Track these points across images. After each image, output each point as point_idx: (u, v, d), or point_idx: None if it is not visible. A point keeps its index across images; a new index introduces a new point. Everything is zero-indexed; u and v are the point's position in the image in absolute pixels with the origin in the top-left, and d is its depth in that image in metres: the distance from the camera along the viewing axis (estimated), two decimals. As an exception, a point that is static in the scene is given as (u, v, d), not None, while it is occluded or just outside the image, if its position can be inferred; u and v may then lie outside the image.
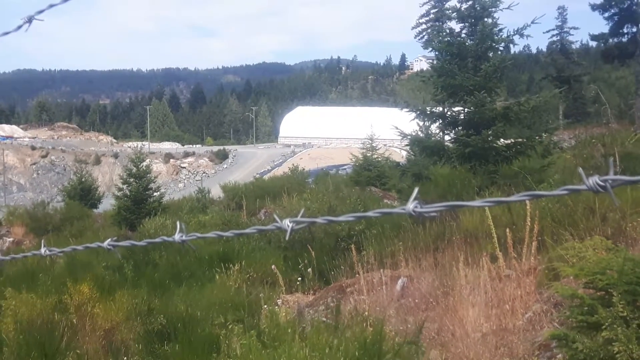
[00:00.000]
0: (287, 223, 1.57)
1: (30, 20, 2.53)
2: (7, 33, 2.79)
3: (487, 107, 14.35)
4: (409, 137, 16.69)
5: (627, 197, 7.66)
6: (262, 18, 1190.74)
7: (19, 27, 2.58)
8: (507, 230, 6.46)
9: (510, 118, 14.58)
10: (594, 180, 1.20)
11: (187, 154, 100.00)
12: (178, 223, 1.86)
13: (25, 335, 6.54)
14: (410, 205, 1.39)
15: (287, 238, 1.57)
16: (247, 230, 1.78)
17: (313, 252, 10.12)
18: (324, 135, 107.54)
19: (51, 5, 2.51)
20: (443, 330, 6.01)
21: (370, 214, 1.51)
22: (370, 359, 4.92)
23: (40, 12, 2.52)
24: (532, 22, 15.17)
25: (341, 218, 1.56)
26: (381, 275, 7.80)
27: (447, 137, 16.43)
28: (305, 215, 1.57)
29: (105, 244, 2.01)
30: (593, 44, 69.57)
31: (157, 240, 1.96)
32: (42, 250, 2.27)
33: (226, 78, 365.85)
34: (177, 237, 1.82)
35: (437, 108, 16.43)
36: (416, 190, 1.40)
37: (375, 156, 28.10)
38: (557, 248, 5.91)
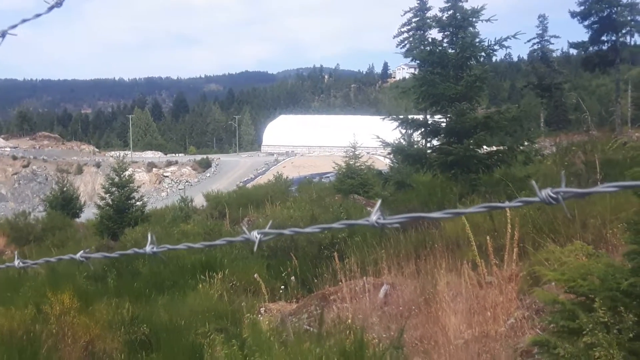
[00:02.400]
0: (255, 234, 1.59)
1: (3, 35, 2.52)
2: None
3: (467, 116, 14.44)
4: (391, 146, 16.73)
5: (606, 204, 7.73)
6: (245, 27, 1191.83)
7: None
8: (488, 237, 6.50)
9: (492, 126, 14.67)
10: (546, 192, 1.22)
11: (169, 163, 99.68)
12: (149, 234, 1.86)
13: (5, 346, 6.49)
14: (374, 217, 1.40)
15: (254, 249, 1.58)
16: (217, 242, 1.79)
17: (296, 261, 10.12)
18: (307, 143, 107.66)
19: (24, 20, 2.50)
20: (425, 337, 6.02)
21: (335, 225, 1.54)
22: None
23: (14, 27, 2.51)
24: (514, 36, 15.30)
25: (308, 229, 1.57)
26: (364, 283, 7.81)
27: (428, 146, 16.50)
28: (273, 227, 1.58)
29: (78, 255, 2.00)
30: (574, 52, 70.28)
31: (129, 252, 1.96)
32: (16, 262, 2.26)
33: (209, 87, 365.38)
34: (148, 248, 1.82)
35: (419, 117, 16.51)
36: (379, 202, 1.43)
37: (358, 164, 28.13)
38: (538, 254, 5.94)
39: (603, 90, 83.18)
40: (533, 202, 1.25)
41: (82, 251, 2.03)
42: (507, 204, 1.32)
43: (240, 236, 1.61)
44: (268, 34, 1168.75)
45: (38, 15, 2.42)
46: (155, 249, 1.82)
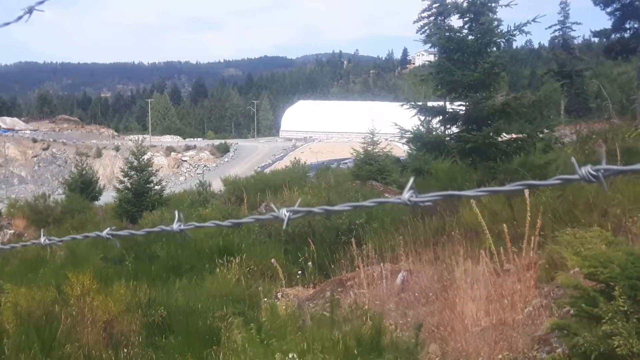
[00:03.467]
0: (284, 212, 1.58)
1: (30, 10, 2.53)
2: (7, 24, 2.79)
3: (485, 103, 14.34)
4: (409, 133, 16.66)
5: (627, 192, 7.67)
6: (264, 11, 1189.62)
7: (19, 17, 2.58)
8: (505, 225, 6.47)
9: (509, 113, 14.56)
10: (586, 169, 1.20)
11: (188, 148, 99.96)
12: (176, 212, 1.87)
13: (24, 327, 6.55)
14: (406, 195, 1.39)
15: (284, 227, 1.58)
16: (245, 220, 1.79)
17: (313, 246, 10.13)
18: (325, 129, 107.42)
19: (52, -5, 2.51)
20: (442, 324, 6.01)
21: (366, 203, 1.52)
22: (369, 352, 4.93)
23: (41, 2, 2.52)
24: (534, 20, 15.14)
25: (337, 207, 1.57)
26: (381, 269, 7.81)
27: (447, 133, 16.42)
28: (302, 205, 1.58)
29: (104, 233, 2.02)
30: (595, 39, 69.53)
31: (156, 229, 1.97)
32: (42, 239, 2.28)
33: (228, 71, 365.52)
34: (175, 226, 1.82)
35: (438, 103, 16.41)
36: (411, 180, 1.41)
37: (377, 150, 28.04)
38: (559, 234, 5.90)
39: (624, 78, 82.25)
40: (573, 180, 1.23)
41: (108, 228, 2.04)
42: (545, 182, 1.30)
43: (269, 214, 1.61)
44: (287, 18, 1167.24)
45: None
46: (182, 227, 1.83)
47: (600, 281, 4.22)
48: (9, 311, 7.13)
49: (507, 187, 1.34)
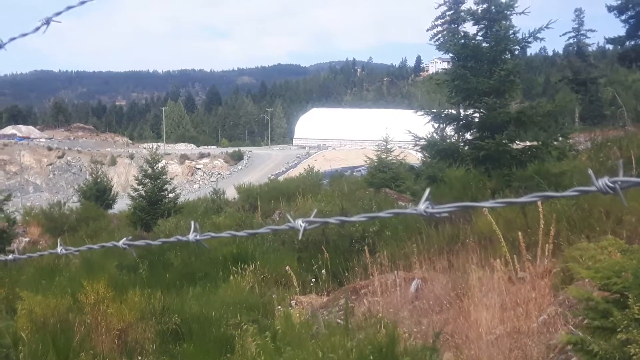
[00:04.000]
0: (299, 223, 1.59)
1: (48, 22, 2.56)
2: (25, 34, 2.82)
3: (499, 110, 14.29)
4: (422, 140, 16.63)
5: (642, 200, 7.62)
6: (277, 19, 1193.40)
7: (37, 28, 2.61)
8: (520, 233, 6.45)
9: (524, 121, 14.50)
10: (603, 181, 1.20)
11: (202, 155, 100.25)
12: (192, 223, 1.88)
13: (40, 334, 6.59)
14: (422, 206, 1.40)
15: (299, 237, 1.59)
16: (261, 230, 1.80)
17: (327, 254, 10.14)
18: (338, 137, 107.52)
19: (69, 7, 2.54)
20: (457, 333, 6.00)
21: (382, 214, 1.53)
22: (383, 360, 4.92)
23: (58, 14, 2.55)
24: (547, 26, 15.08)
25: (354, 218, 1.57)
26: (395, 277, 7.80)
27: (461, 140, 16.37)
28: (318, 216, 1.58)
29: (121, 243, 2.03)
30: (610, 46, 69.26)
31: (172, 239, 1.98)
32: (59, 249, 2.30)
33: (241, 79, 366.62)
34: (191, 236, 1.83)
35: (452, 111, 16.37)
36: (428, 191, 1.41)
37: (390, 158, 28.05)
38: (571, 250, 5.88)
39: (639, 86, 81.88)
40: (590, 191, 1.23)
41: (124, 239, 2.06)
42: (562, 193, 1.30)
43: (285, 224, 1.62)
44: (300, 26, 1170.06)
45: (82, 2, 2.45)
46: (198, 237, 1.84)
47: (614, 292, 4.20)
48: (24, 319, 7.17)
49: (523, 199, 1.34)
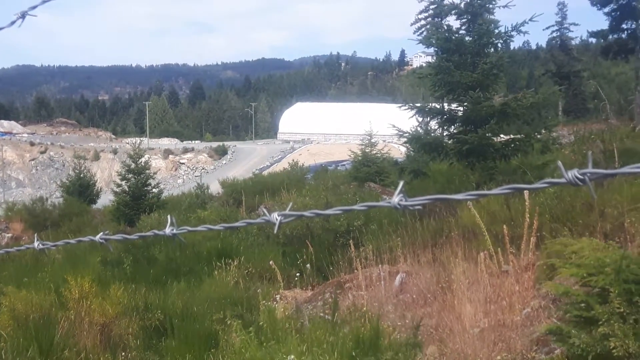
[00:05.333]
0: (275, 216, 1.59)
1: (23, 15, 2.52)
2: (1, 28, 2.78)
3: (483, 104, 14.33)
4: (406, 134, 16.65)
5: (625, 192, 7.66)
6: (262, 14, 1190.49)
7: (13, 22, 2.58)
8: (504, 226, 6.46)
9: (509, 114, 14.55)
10: (573, 173, 1.20)
11: (186, 150, 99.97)
12: (169, 217, 1.86)
13: (22, 330, 6.54)
14: (396, 199, 1.39)
15: (275, 231, 1.58)
16: (238, 224, 1.79)
17: (311, 248, 10.13)
18: (323, 131, 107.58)
19: (44, 1, 2.50)
20: (441, 326, 6.00)
21: (356, 207, 1.53)
22: (367, 354, 4.92)
23: (33, 7, 2.51)
24: (530, 20, 15.12)
25: (329, 211, 1.57)
26: (379, 271, 7.80)
27: (445, 134, 16.40)
28: (294, 209, 1.58)
29: (98, 237, 2.01)
30: (593, 40, 69.59)
31: (149, 233, 1.96)
32: (35, 244, 2.27)
33: (225, 74, 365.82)
34: (167, 230, 1.82)
35: (436, 105, 16.39)
36: (401, 183, 1.41)
37: (375, 152, 28.06)
38: (553, 242, 5.90)
39: (622, 79, 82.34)
40: (559, 183, 1.23)
41: (101, 233, 2.04)
42: (533, 185, 1.30)
43: (261, 218, 1.61)
44: (284, 21, 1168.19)
45: (57, -5, 2.41)
46: (175, 231, 1.83)
47: (595, 287, 4.22)
48: (6, 315, 7.11)
49: (495, 191, 1.35)
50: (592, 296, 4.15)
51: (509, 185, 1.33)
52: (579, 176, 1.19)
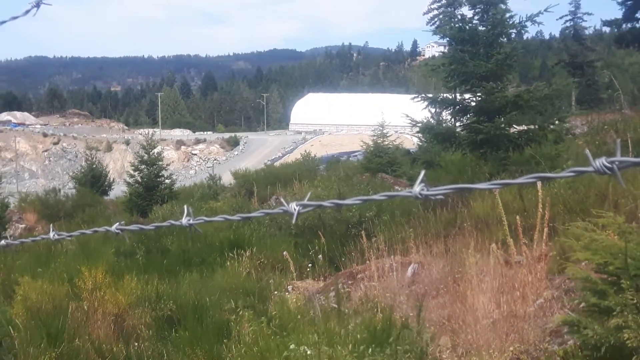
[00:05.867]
0: (293, 206, 1.57)
1: (38, 4, 2.53)
2: (15, 17, 2.79)
3: (497, 94, 14.26)
4: (419, 124, 16.61)
5: (639, 183, 7.61)
6: (273, 4, 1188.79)
7: (27, 11, 2.58)
8: (518, 217, 6.43)
9: (522, 105, 14.47)
10: (600, 161, 1.18)
11: (198, 141, 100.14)
12: (185, 207, 1.86)
13: (35, 320, 6.58)
14: (417, 188, 1.38)
15: (293, 221, 1.57)
16: (255, 214, 1.78)
17: (323, 239, 10.12)
18: (334, 122, 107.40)
19: (58, -11, 2.50)
20: (453, 317, 5.99)
21: (376, 197, 1.51)
22: (379, 345, 4.92)
23: (48, -4, 2.51)
24: (546, 10, 15.02)
25: (348, 201, 1.56)
26: (392, 262, 7.79)
27: (458, 124, 16.35)
28: (312, 199, 1.56)
29: (114, 227, 2.01)
30: (606, 29, 69.29)
31: (165, 224, 1.96)
32: (51, 234, 2.28)
33: (237, 65, 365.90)
34: (184, 221, 1.82)
35: (449, 95, 16.33)
36: (422, 173, 1.39)
37: (386, 143, 28.01)
38: (568, 231, 5.86)
39: (636, 69, 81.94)
40: (586, 171, 1.21)
41: (117, 223, 2.04)
42: (559, 174, 1.28)
43: (279, 208, 1.60)
44: (296, 11, 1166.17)
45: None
46: (191, 221, 1.82)
47: (609, 274, 4.19)
48: (20, 305, 7.16)
49: (520, 180, 1.33)
50: (608, 283, 4.12)
51: (535, 174, 1.31)
52: (607, 164, 1.18)
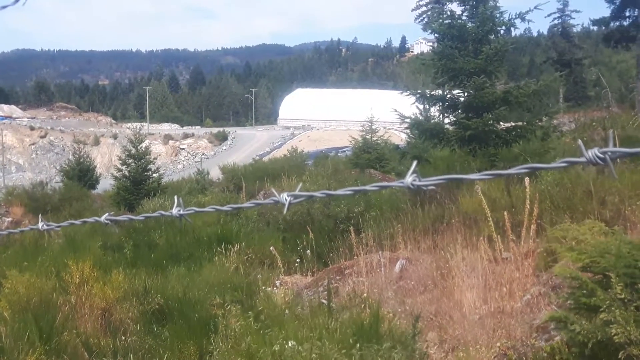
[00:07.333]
0: (285, 197, 1.57)
1: (26, -5, 2.51)
2: (4, 7, 2.77)
3: (486, 90, 14.29)
4: (408, 120, 16.62)
5: (626, 180, 7.66)
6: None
7: (16, 1, 2.56)
8: (505, 213, 6.46)
9: (510, 102, 14.51)
10: (593, 152, 1.19)
11: (186, 136, 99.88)
12: (176, 197, 1.85)
13: (21, 314, 6.54)
14: (409, 179, 1.38)
15: (284, 212, 1.57)
16: (245, 205, 1.78)
17: (312, 234, 10.12)
18: (323, 117, 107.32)
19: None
20: (440, 312, 6.01)
21: (368, 187, 1.51)
22: (366, 340, 4.92)
23: (37, -14, 2.49)
24: (536, 8, 15.04)
25: (339, 192, 1.56)
26: (380, 257, 7.80)
27: (446, 120, 16.37)
28: (303, 190, 1.56)
29: (103, 218, 2.01)
30: (594, 27, 69.57)
31: (155, 214, 1.96)
32: (40, 224, 2.27)
33: (226, 59, 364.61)
34: (174, 211, 1.82)
35: (437, 91, 16.34)
36: (414, 163, 1.40)
37: (375, 139, 28.05)
38: (554, 231, 5.89)
39: (623, 67, 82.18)
40: (579, 162, 1.22)
41: (107, 214, 2.03)
42: (551, 165, 1.29)
43: (270, 198, 1.60)
44: (285, 6, 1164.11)
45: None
46: (182, 212, 1.82)
47: (597, 272, 4.22)
48: (7, 298, 7.12)
49: (511, 171, 1.33)
50: (596, 282, 4.15)
51: (526, 165, 1.32)
52: (600, 155, 1.18)
